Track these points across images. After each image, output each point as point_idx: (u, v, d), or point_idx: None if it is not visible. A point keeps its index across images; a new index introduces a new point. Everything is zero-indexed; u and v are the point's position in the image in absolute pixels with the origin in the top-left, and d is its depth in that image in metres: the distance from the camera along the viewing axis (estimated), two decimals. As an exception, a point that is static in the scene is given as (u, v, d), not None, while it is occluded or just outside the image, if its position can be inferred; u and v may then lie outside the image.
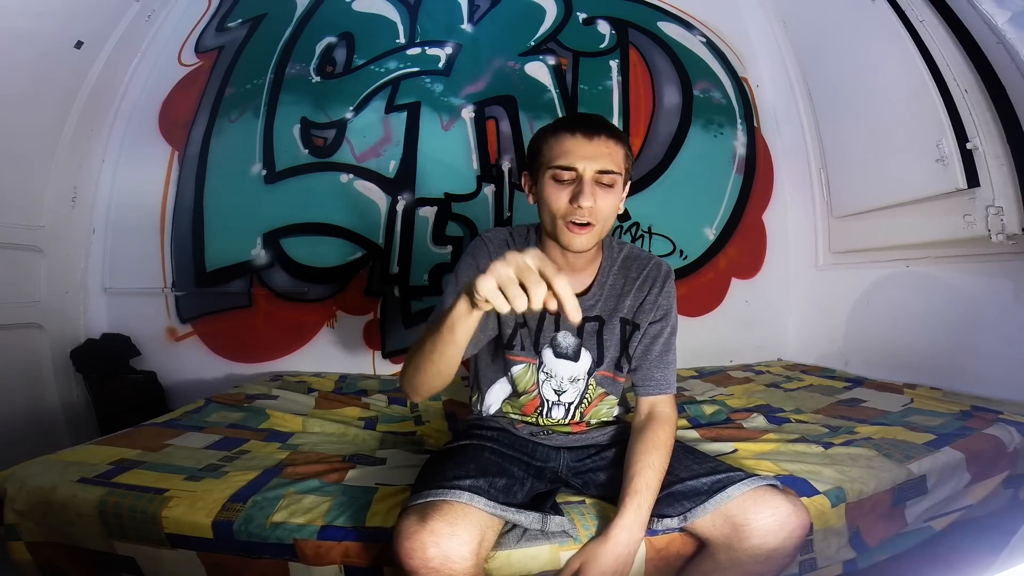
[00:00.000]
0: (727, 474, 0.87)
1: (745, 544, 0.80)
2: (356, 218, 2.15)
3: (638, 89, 2.39)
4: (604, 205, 0.92)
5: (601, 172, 0.92)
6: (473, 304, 0.71)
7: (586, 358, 1.03)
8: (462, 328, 0.75)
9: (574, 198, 0.90)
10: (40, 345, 1.78)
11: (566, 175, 0.92)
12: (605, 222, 0.94)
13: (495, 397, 1.09)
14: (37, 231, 1.78)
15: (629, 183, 1.01)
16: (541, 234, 1.03)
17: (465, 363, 1.00)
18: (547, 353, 1.03)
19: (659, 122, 2.40)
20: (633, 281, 1.05)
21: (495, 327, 1.02)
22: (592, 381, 1.05)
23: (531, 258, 0.65)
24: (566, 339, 1.03)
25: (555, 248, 0.99)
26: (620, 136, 0.96)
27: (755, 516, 0.80)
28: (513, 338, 1.02)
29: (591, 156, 0.91)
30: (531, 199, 1.00)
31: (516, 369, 1.04)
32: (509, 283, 0.64)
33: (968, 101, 1.58)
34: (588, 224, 0.92)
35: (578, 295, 1.03)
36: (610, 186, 0.93)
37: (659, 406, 1.00)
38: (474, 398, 1.15)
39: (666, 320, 1.04)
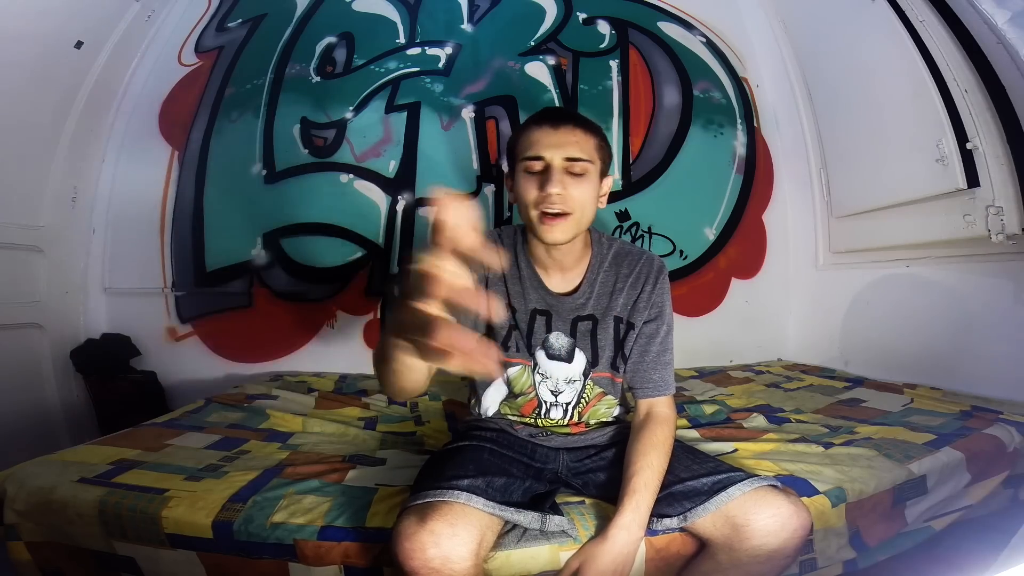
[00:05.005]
0: (727, 474, 0.87)
1: (746, 544, 0.80)
2: (356, 218, 2.15)
3: (638, 89, 2.39)
4: (576, 193, 0.92)
5: (569, 160, 0.92)
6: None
7: (580, 359, 1.03)
8: (407, 360, 0.64)
9: (543, 186, 0.91)
10: (40, 345, 1.78)
11: (536, 165, 0.92)
12: (582, 212, 0.93)
13: (492, 399, 1.09)
14: (37, 231, 1.78)
15: (610, 177, 1.01)
16: (527, 232, 1.02)
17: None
18: (540, 355, 1.02)
19: (659, 122, 2.40)
20: (625, 278, 1.04)
21: (483, 327, 1.01)
22: (589, 382, 1.04)
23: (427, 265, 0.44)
24: (558, 340, 1.02)
25: (540, 245, 0.99)
26: (590, 126, 0.96)
27: (756, 516, 0.80)
28: (507, 340, 1.02)
29: (557, 144, 0.92)
30: (512, 197, 1.00)
31: (512, 371, 1.03)
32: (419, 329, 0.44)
33: (968, 101, 1.57)
34: (562, 214, 0.91)
35: (567, 294, 1.03)
36: (581, 175, 0.93)
37: (658, 407, 1.00)
38: (472, 400, 1.15)
39: (661, 319, 1.04)
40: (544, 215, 0.91)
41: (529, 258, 1.03)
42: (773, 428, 1.40)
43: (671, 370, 1.04)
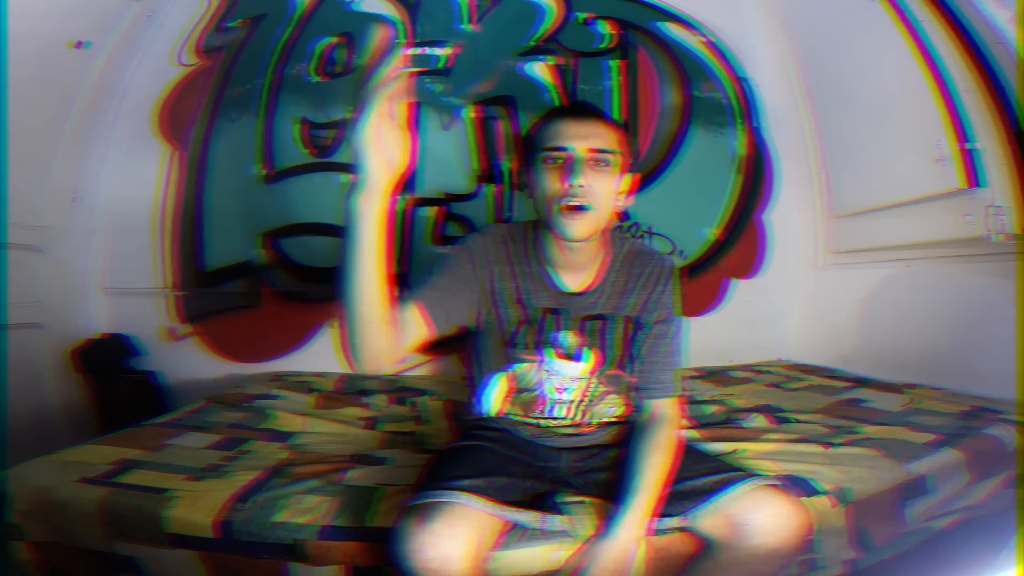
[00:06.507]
0: (729, 473, 0.87)
1: (746, 543, 0.80)
2: (356, 218, 2.14)
3: (638, 89, 2.39)
4: (600, 187, 0.90)
5: (595, 151, 0.90)
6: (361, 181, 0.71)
7: (589, 358, 1.02)
8: (365, 224, 0.73)
9: (565, 178, 0.89)
10: (40, 345, 1.79)
11: (559, 156, 0.91)
12: (603, 207, 0.92)
13: (494, 399, 1.08)
14: (37, 231, 1.78)
15: (630, 175, 0.99)
16: (539, 229, 1.01)
17: (463, 360, 1.00)
18: (549, 353, 1.02)
19: (659, 122, 2.40)
20: (637, 278, 1.03)
21: (472, 305, 1.00)
22: (595, 380, 1.04)
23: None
24: (567, 339, 1.02)
25: (554, 243, 0.97)
26: (613, 121, 0.96)
27: (755, 515, 0.80)
28: (515, 336, 1.01)
29: (583, 135, 0.90)
30: (527, 192, 0.99)
31: (517, 368, 1.03)
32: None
33: (968, 101, 1.58)
34: (584, 208, 0.89)
35: (580, 292, 1.02)
36: (605, 168, 0.91)
37: (664, 408, 0.99)
38: (473, 400, 1.14)
39: (669, 320, 1.03)
40: (565, 208, 0.89)
41: (541, 255, 1.02)
42: (774, 428, 1.40)
43: (678, 372, 1.04)
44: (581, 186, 0.88)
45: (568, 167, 0.89)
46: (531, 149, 0.96)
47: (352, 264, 0.77)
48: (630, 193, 1.01)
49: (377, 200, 0.72)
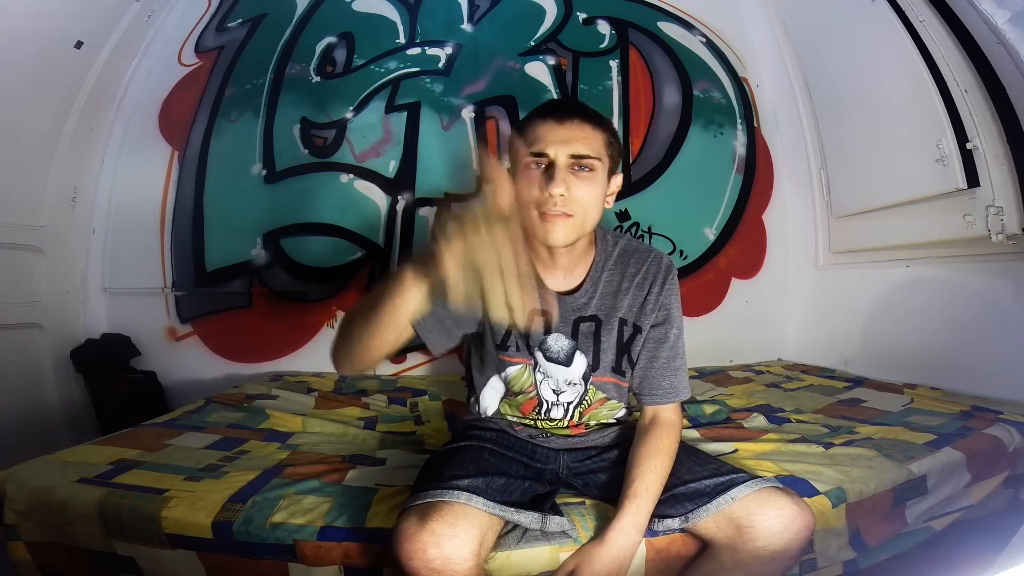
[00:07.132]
0: (730, 475, 0.86)
1: (750, 546, 0.79)
2: (356, 218, 2.15)
3: (638, 89, 2.39)
4: (582, 194, 0.87)
5: (575, 157, 0.86)
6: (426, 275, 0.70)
7: (580, 362, 0.99)
8: (404, 305, 0.73)
9: (545, 185, 0.85)
10: (40, 345, 1.78)
11: (539, 161, 0.87)
12: (586, 214, 0.88)
13: (490, 399, 1.06)
14: (37, 231, 1.78)
15: (618, 175, 0.96)
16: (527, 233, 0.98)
17: (459, 354, 0.98)
18: (540, 355, 0.99)
19: (659, 122, 2.40)
20: (632, 277, 0.99)
21: (475, 323, 0.98)
22: (591, 387, 1.01)
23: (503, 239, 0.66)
24: (557, 342, 0.98)
25: (541, 246, 0.93)
26: (598, 120, 0.91)
27: (760, 517, 0.79)
28: (507, 339, 0.99)
29: (563, 140, 0.86)
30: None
31: (511, 370, 1.00)
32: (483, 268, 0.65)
33: (968, 101, 1.57)
34: (564, 215, 0.86)
35: (568, 292, 0.98)
36: (588, 174, 0.87)
37: (664, 412, 0.98)
38: (471, 399, 1.13)
39: (669, 322, 1.00)
40: (545, 214, 0.86)
41: (529, 255, 0.99)
42: (773, 428, 1.40)
43: (682, 375, 1.01)
44: (561, 195, 0.85)
45: (547, 174, 0.86)
46: (514, 151, 0.92)
47: (377, 314, 0.76)
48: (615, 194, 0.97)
49: (422, 287, 0.72)
